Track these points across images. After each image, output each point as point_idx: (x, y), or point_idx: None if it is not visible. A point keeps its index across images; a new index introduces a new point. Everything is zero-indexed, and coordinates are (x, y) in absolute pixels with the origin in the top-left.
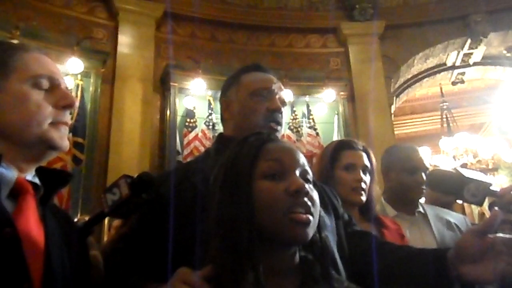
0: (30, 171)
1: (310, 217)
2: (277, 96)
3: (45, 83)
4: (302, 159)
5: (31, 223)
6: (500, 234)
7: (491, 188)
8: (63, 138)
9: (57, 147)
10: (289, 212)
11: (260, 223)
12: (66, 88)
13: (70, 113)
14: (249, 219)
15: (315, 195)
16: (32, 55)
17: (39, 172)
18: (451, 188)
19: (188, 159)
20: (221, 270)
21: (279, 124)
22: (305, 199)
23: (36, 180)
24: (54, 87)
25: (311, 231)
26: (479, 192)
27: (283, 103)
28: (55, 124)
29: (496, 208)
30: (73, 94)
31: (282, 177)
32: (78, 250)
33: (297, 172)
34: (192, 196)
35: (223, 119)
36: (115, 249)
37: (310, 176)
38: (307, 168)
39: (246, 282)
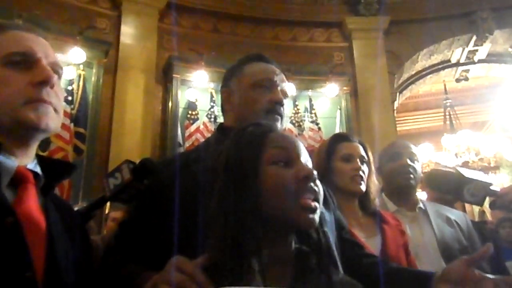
0: (25, 157)
1: (317, 205)
2: (279, 88)
3: (19, 60)
4: (305, 149)
5: (33, 212)
6: (490, 276)
7: (491, 188)
8: (41, 116)
9: (35, 127)
10: (298, 197)
11: (266, 210)
12: (54, 63)
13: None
14: (255, 206)
15: (319, 183)
16: (7, 34)
17: (42, 161)
18: (451, 188)
19: None
20: (223, 259)
21: (281, 116)
22: (312, 184)
23: (38, 170)
24: (32, 64)
25: (317, 218)
26: (479, 192)
27: (285, 95)
28: (31, 102)
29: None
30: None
31: (290, 164)
32: (80, 239)
33: (303, 160)
34: (191, 184)
35: (223, 110)
36: (114, 236)
37: (311, 164)
38: (309, 158)
39: (251, 269)
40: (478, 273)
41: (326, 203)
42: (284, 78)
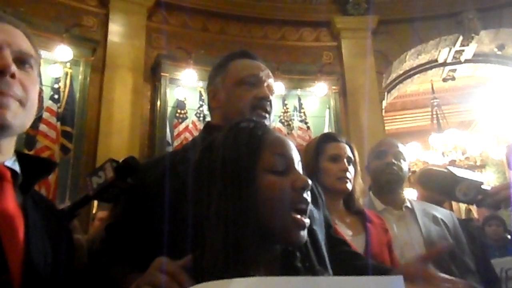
0: (0, 154)
1: (307, 220)
2: (265, 84)
3: None
4: (297, 151)
5: (9, 211)
6: (443, 275)
7: (482, 187)
8: None
9: None
10: (292, 208)
11: (263, 221)
12: (21, 51)
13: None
14: (254, 216)
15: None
16: None
17: (22, 159)
18: (443, 188)
19: None
20: (220, 264)
21: (268, 112)
22: (306, 194)
23: (16, 167)
24: None
25: (306, 233)
26: (471, 191)
27: (272, 91)
28: None
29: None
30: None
31: (286, 172)
32: (62, 238)
33: (297, 166)
34: (178, 186)
35: (210, 108)
36: (100, 239)
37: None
38: (301, 161)
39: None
40: (431, 270)
41: (315, 201)
42: (270, 74)
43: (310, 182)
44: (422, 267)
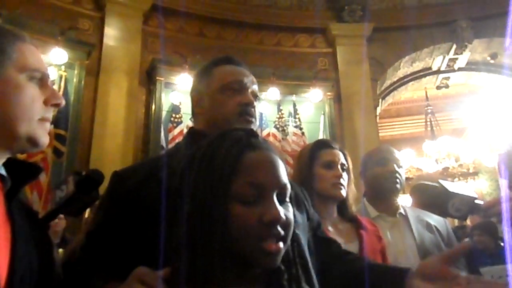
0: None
1: (281, 245)
2: (249, 90)
3: (39, 78)
4: (282, 172)
5: None
6: (463, 273)
7: (476, 202)
8: (45, 134)
9: (40, 145)
10: (260, 242)
11: (232, 247)
12: (52, 83)
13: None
14: (222, 241)
15: (290, 215)
16: (28, 46)
17: (7, 163)
18: (435, 203)
19: None
20: (192, 284)
21: (253, 118)
22: (279, 228)
23: (2, 171)
24: (44, 84)
25: (280, 256)
26: (464, 206)
27: (256, 96)
28: (41, 120)
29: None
30: (56, 85)
31: (257, 202)
32: (46, 245)
33: (275, 193)
34: (158, 192)
35: (194, 114)
36: (80, 246)
37: (289, 189)
38: (286, 182)
39: None
40: (453, 270)
41: (298, 205)
42: (255, 80)
43: (282, 215)
44: (442, 266)
